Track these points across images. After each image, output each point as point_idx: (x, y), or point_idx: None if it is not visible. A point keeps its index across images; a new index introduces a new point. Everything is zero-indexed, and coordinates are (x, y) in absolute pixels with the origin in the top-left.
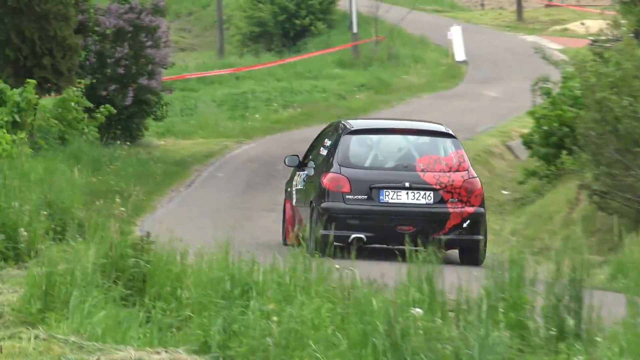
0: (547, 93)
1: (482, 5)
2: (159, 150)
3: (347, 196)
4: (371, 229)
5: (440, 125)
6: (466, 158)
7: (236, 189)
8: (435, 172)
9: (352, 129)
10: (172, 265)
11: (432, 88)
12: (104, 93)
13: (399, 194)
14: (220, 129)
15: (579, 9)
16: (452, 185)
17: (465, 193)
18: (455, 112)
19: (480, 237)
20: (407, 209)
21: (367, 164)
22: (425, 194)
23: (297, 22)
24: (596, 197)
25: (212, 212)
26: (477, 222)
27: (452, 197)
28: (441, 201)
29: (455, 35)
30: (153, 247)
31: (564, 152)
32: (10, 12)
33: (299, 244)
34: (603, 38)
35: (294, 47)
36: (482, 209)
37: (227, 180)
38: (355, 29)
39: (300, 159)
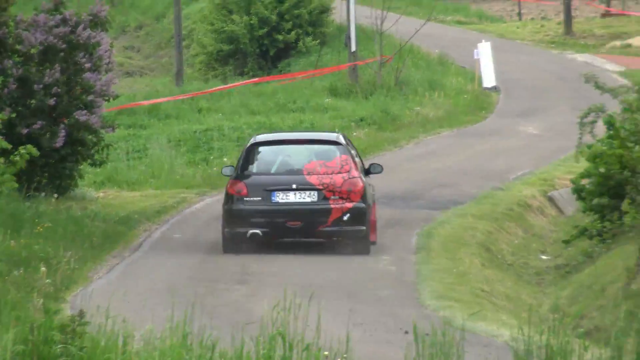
0: (610, 123)
1: (520, 14)
2: (97, 205)
3: (245, 199)
4: (266, 225)
5: (332, 134)
6: (350, 162)
7: (197, 255)
8: (319, 174)
9: (254, 141)
10: (112, 353)
11: (453, 123)
12: (25, 131)
13: (287, 194)
14: (177, 177)
15: None
16: (333, 185)
17: (345, 191)
18: (482, 154)
19: (362, 227)
20: (294, 207)
21: (263, 171)
22: (310, 193)
23: (280, 37)
24: None
25: (165, 285)
26: (358, 215)
27: (333, 195)
28: (324, 199)
29: (484, 54)
30: (87, 329)
31: (627, 201)
32: None
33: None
34: None
35: (274, 70)
36: (362, 204)
37: (185, 243)
38: (353, 47)
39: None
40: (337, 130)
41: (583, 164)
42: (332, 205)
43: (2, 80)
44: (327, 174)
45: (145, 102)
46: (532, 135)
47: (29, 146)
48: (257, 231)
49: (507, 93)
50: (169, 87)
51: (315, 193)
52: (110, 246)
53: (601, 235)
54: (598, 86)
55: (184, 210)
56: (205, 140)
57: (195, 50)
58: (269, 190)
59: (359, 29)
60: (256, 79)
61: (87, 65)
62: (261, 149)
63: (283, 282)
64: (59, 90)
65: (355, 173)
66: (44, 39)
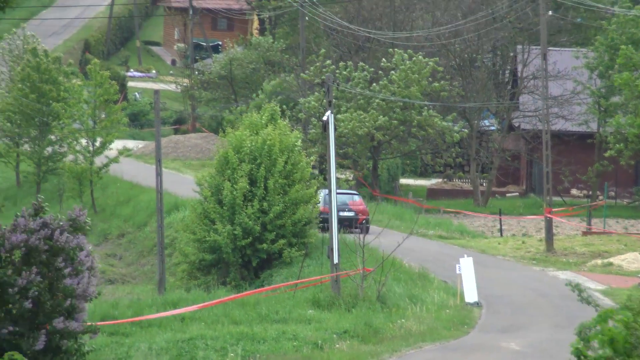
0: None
1: (501, 230)
2: None
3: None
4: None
5: (354, 192)
6: (363, 201)
7: None
8: (354, 206)
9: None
10: None
11: (435, 337)
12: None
13: (344, 212)
14: None
15: (627, 234)
16: (358, 210)
17: (362, 211)
18: None
19: (368, 225)
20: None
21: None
22: (350, 212)
23: (263, 246)
24: None
25: None
26: (366, 221)
27: (359, 213)
28: (355, 214)
29: (466, 269)
30: None
31: None
32: None
33: None
34: None
35: (256, 281)
36: (367, 217)
37: None
38: (336, 259)
39: None
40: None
41: None
42: (358, 216)
43: None
44: (356, 205)
45: (135, 319)
46: (514, 352)
47: (15, 353)
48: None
49: (489, 308)
50: (150, 295)
51: (353, 212)
52: None
53: None
54: (582, 298)
55: None
56: (189, 350)
57: (178, 259)
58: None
59: (341, 241)
60: (240, 295)
61: (68, 270)
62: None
63: None
64: (37, 293)
65: (365, 207)
66: (25, 239)
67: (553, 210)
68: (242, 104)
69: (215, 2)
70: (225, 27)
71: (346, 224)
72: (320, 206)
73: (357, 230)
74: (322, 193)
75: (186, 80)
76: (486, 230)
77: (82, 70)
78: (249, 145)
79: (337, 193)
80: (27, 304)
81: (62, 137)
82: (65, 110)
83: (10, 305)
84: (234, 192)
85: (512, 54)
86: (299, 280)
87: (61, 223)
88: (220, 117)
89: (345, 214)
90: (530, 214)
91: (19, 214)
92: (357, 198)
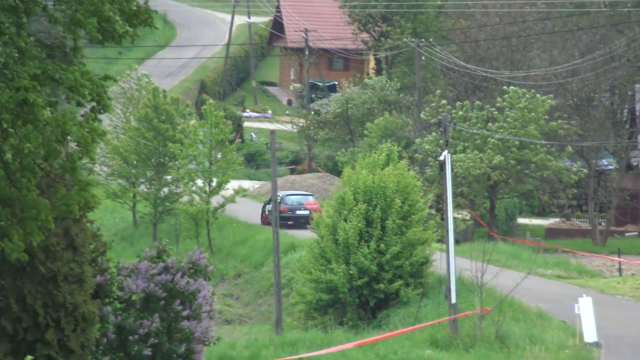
0: None
1: (620, 270)
2: None
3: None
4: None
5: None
6: (316, 200)
7: None
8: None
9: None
10: None
11: None
12: None
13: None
14: None
15: None
16: (312, 208)
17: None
18: None
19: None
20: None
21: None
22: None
23: (380, 286)
24: None
25: None
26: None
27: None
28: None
29: (585, 308)
30: None
31: None
32: (9, 271)
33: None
34: None
35: (373, 321)
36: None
37: None
38: (454, 299)
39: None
40: None
41: None
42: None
43: (100, 327)
44: (310, 205)
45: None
46: None
47: None
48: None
49: (608, 349)
50: (268, 336)
51: (308, 210)
52: None
53: None
54: None
55: None
56: None
57: (295, 299)
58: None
59: (459, 281)
60: (360, 342)
61: (186, 312)
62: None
63: None
64: (157, 341)
65: (318, 206)
66: (145, 286)
67: None
68: (357, 145)
69: (331, 42)
70: (342, 67)
71: (302, 221)
72: (281, 206)
73: (309, 226)
74: (282, 194)
75: (302, 120)
76: (605, 269)
77: (198, 111)
78: (363, 185)
79: (293, 194)
80: (147, 352)
81: (179, 177)
82: (181, 150)
83: (132, 350)
84: (349, 232)
85: (630, 93)
86: (416, 326)
87: (182, 265)
88: (336, 157)
89: (301, 212)
90: None
91: (141, 255)
92: (311, 198)
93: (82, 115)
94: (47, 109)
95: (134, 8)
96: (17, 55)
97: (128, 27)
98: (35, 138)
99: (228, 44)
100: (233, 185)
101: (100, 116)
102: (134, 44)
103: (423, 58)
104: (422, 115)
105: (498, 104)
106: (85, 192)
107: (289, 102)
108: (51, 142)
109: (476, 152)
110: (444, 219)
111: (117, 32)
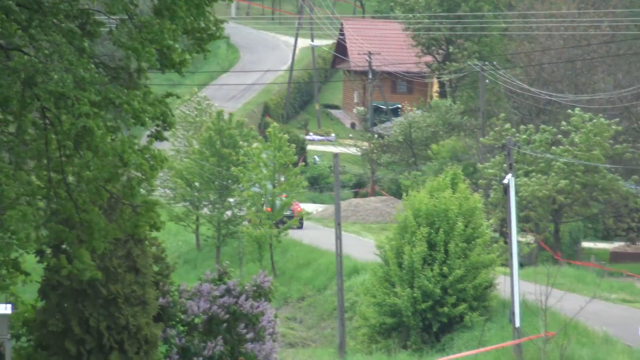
0: None
1: None
2: None
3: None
4: None
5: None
6: (297, 202)
7: None
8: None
9: None
10: None
11: None
12: None
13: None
14: None
15: None
16: (294, 209)
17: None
18: None
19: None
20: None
21: None
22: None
23: (444, 310)
24: None
25: None
26: (302, 217)
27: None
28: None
29: None
30: None
31: None
32: (70, 295)
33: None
34: None
35: (437, 345)
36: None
37: None
38: (518, 322)
39: None
40: None
41: None
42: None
43: (166, 349)
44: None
45: None
46: None
47: None
48: None
49: None
50: (332, 359)
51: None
52: None
53: None
54: None
55: None
56: None
57: (358, 323)
58: None
59: (523, 304)
60: None
61: (249, 335)
62: None
63: None
64: None
65: (300, 208)
66: (207, 309)
67: None
68: (420, 168)
69: (395, 66)
70: (405, 90)
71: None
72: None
73: (295, 226)
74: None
75: (365, 144)
76: None
77: (262, 134)
78: (425, 208)
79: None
80: None
81: (242, 200)
82: (244, 173)
83: None
84: (413, 256)
85: None
86: (480, 350)
87: (246, 287)
88: (400, 180)
89: (285, 213)
90: None
91: (202, 277)
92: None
93: (148, 136)
94: (109, 135)
95: (203, 25)
96: (75, 82)
97: (187, 56)
98: (95, 165)
99: (291, 67)
100: (296, 207)
101: (162, 142)
102: (197, 70)
103: (487, 81)
104: (483, 139)
105: (563, 127)
106: (152, 212)
107: (352, 125)
108: (111, 167)
109: (540, 175)
110: (507, 242)
111: (174, 61)
